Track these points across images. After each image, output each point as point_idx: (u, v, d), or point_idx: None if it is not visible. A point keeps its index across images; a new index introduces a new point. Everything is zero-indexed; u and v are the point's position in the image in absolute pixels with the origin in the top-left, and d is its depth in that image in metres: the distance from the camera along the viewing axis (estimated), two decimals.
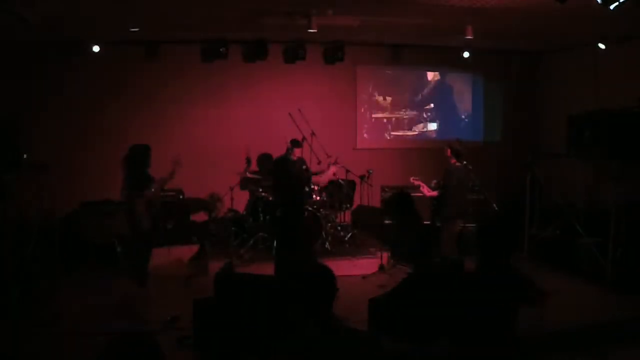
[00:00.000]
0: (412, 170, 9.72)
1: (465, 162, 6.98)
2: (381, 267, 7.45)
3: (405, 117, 10.15)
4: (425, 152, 10.01)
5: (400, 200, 7.07)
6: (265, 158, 9.11)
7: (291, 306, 2.26)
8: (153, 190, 6.24)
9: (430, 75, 10.22)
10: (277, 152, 8.32)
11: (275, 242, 6.71)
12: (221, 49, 8.47)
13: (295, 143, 7.98)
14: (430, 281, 5.36)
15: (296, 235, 6.18)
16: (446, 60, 9.82)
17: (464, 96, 10.39)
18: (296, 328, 2.20)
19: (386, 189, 8.53)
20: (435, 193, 7.11)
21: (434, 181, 7.30)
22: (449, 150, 7.00)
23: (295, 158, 8.06)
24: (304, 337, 2.15)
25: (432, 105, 10.26)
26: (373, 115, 10.01)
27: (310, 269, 2.35)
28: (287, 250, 6.17)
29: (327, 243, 8.10)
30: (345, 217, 9.18)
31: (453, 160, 6.94)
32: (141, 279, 6.31)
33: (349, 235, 8.59)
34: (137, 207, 6.14)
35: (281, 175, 6.45)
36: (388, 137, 10.10)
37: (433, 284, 5.32)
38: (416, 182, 7.21)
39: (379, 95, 9.99)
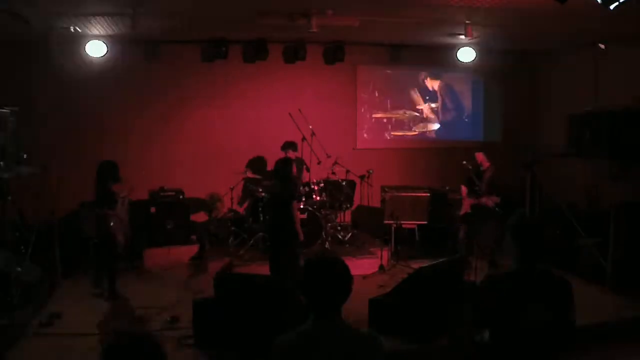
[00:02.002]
0: (412, 170, 9.78)
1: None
2: (381, 267, 7.46)
3: (405, 117, 10.15)
4: (425, 152, 10.03)
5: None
6: (258, 160, 9.12)
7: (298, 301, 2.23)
8: (117, 208, 6.33)
9: (430, 76, 10.22)
10: (276, 152, 8.33)
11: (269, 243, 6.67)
12: (221, 49, 8.47)
13: (283, 147, 8.01)
14: (431, 281, 5.37)
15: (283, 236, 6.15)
16: (446, 60, 9.82)
17: (464, 96, 10.39)
18: (295, 326, 2.19)
19: (386, 189, 8.53)
20: (496, 198, 7.16)
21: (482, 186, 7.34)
22: (481, 154, 7.18)
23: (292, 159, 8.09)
24: (305, 334, 2.15)
25: (432, 105, 10.26)
26: (373, 115, 10.01)
27: (325, 260, 2.28)
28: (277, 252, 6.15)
29: (327, 243, 8.10)
30: (345, 217, 9.18)
31: (488, 163, 7.11)
32: (111, 291, 6.32)
33: (349, 235, 8.59)
34: (109, 222, 6.19)
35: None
36: (388, 137, 10.10)
37: (434, 285, 5.33)
38: (484, 201, 7.27)
39: (379, 95, 9.99)
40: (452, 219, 8.16)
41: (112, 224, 6.21)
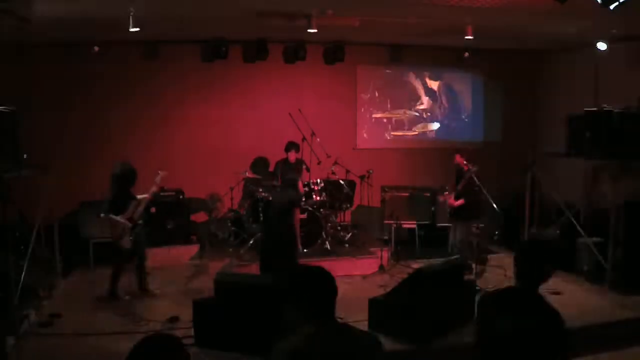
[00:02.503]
0: (412, 170, 9.78)
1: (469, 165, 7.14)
2: (381, 267, 7.46)
3: (405, 117, 10.15)
4: (425, 152, 10.02)
5: None
6: (260, 161, 9.11)
7: (287, 306, 2.23)
8: (128, 212, 6.21)
9: (430, 76, 10.22)
10: (276, 152, 8.34)
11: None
12: (221, 49, 8.46)
13: (287, 147, 8.02)
14: (431, 282, 5.37)
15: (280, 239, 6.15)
16: (446, 60, 9.82)
17: (464, 96, 10.39)
18: (295, 327, 2.20)
19: (386, 189, 8.53)
20: (461, 201, 7.16)
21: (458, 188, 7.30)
22: (458, 156, 7.15)
23: (293, 160, 8.10)
24: (304, 336, 2.15)
25: (432, 105, 10.26)
26: (373, 115, 10.00)
27: (304, 270, 2.30)
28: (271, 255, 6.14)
29: (327, 243, 8.10)
30: (345, 217, 9.18)
31: (467, 167, 7.07)
32: (110, 291, 6.32)
33: (349, 235, 8.60)
34: (114, 229, 6.15)
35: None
36: (388, 137, 10.10)
37: (434, 285, 5.33)
38: (442, 199, 7.23)
39: (379, 95, 9.99)
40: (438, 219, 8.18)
41: (117, 228, 6.16)
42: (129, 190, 6.26)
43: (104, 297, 6.33)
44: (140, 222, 6.37)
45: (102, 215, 6.23)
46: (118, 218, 6.13)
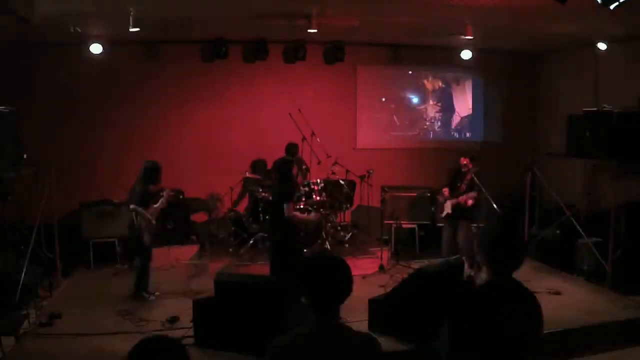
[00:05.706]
0: (412, 170, 9.77)
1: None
2: (381, 267, 7.45)
3: (405, 117, 10.15)
4: (425, 152, 10.02)
5: None
6: (260, 163, 9.10)
7: (294, 302, 2.19)
8: (150, 209, 6.22)
9: (430, 75, 10.22)
10: (276, 152, 8.33)
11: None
12: (221, 49, 8.46)
13: (288, 150, 8.00)
14: (431, 282, 5.36)
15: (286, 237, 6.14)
16: (446, 60, 9.82)
17: (464, 96, 10.39)
18: (295, 326, 2.19)
19: (386, 189, 8.53)
20: (475, 194, 7.09)
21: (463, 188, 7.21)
22: (463, 159, 7.12)
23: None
24: (303, 335, 2.15)
25: (432, 105, 10.26)
26: (373, 115, 10.00)
27: (324, 260, 2.27)
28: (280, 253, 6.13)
29: (327, 243, 8.10)
30: (345, 217, 9.18)
31: (470, 166, 7.05)
32: (136, 290, 6.32)
33: (349, 235, 8.59)
34: (140, 221, 6.14)
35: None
36: (388, 137, 10.10)
37: (434, 285, 5.33)
38: (463, 200, 7.11)
39: (379, 95, 9.99)
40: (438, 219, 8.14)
41: (141, 223, 6.16)
42: (151, 187, 6.24)
43: (131, 295, 6.30)
44: (154, 222, 6.38)
45: (131, 206, 6.22)
46: (146, 212, 6.14)
